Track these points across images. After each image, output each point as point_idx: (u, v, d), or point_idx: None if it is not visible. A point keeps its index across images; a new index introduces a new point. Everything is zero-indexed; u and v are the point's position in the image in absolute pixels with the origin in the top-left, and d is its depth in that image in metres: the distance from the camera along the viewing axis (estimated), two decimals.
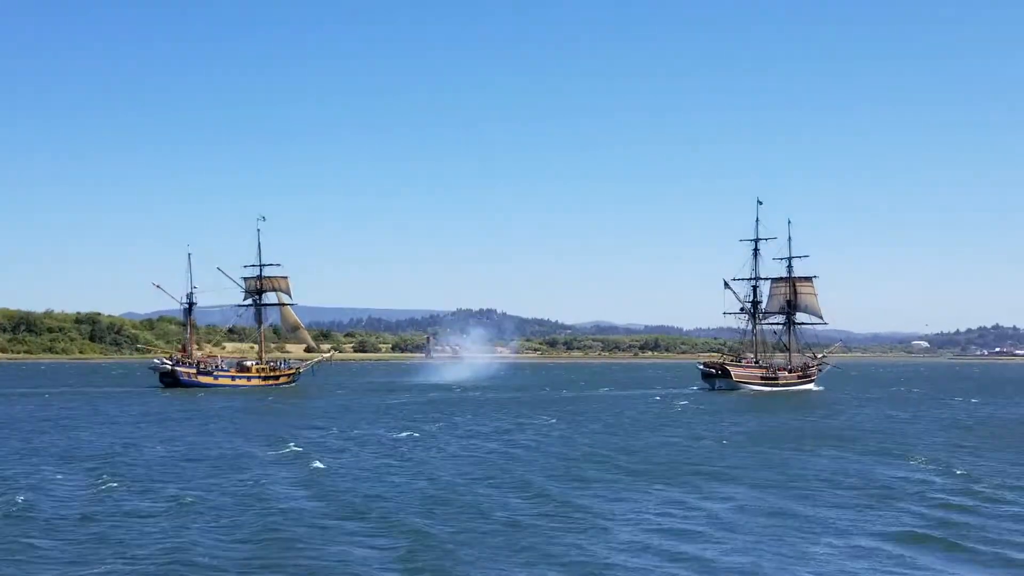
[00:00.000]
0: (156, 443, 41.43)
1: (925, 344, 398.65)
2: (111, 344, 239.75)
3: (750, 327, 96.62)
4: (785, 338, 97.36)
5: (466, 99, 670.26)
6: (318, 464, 33.87)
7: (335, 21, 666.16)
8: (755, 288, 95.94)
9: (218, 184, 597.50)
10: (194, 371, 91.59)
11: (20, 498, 26.46)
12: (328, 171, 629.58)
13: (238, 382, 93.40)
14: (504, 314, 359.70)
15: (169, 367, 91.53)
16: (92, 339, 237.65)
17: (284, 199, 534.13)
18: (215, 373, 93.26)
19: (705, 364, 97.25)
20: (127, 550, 20.79)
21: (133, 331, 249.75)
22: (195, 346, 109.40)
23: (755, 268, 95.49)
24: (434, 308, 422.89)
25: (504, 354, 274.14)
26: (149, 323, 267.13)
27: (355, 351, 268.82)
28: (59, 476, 31.10)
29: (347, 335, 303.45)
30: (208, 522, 23.66)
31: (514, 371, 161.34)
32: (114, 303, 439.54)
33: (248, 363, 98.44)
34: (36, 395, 79.27)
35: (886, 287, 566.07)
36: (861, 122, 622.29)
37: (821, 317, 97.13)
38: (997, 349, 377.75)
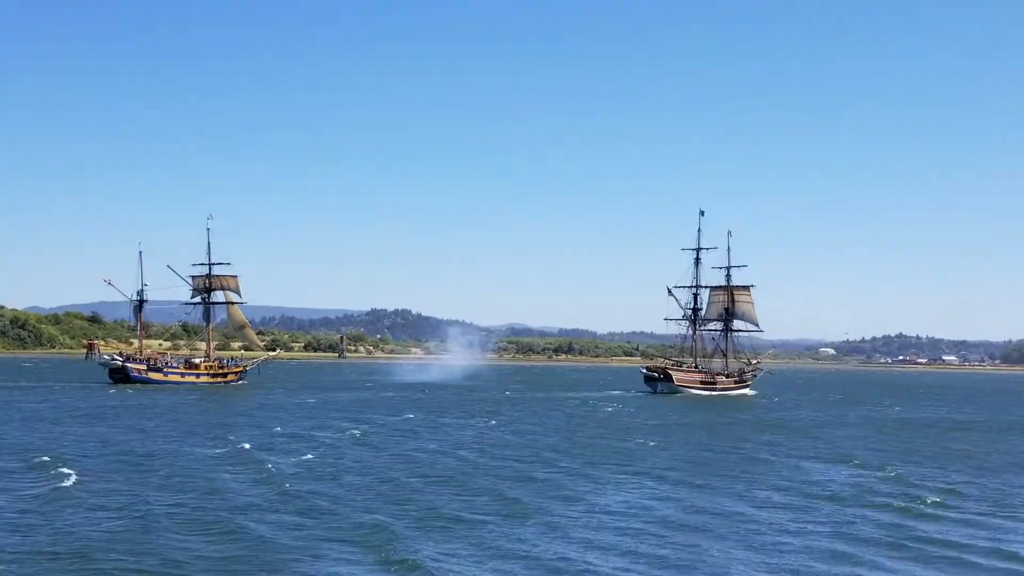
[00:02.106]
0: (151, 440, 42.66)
1: (832, 352, 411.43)
2: (14, 339, 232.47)
3: (690, 332, 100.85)
4: (723, 344, 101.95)
5: (379, 98, 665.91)
6: (309, 456, 36.32)
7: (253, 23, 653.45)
8: (696, 296, 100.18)
9: (158, 181, 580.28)
10: (144, 367, 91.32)
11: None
12: (238, 169, 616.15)
13: (187, 379, 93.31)
14: (419, 315, 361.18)
15: (119, 363, 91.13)
16: None
17: (215, 196, 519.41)
18: (164, 370, 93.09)
19: (648, 368, 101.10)
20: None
21: (38, 325, 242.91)
22: (102, 343, 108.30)
23: (696, 276, 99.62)
24: (348, 308, 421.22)
25: (419, 355, 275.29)
26: (55, 317, 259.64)
27: (267, 349, 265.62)
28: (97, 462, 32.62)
29: (259, 333, 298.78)
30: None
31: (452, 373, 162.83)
32: (17, 296, 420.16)
33: (196, 360, 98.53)
34: None
35: (795, 294, 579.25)
36: (778, 126, 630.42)
37: (757, 324, 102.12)
38: (900, 357, 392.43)
